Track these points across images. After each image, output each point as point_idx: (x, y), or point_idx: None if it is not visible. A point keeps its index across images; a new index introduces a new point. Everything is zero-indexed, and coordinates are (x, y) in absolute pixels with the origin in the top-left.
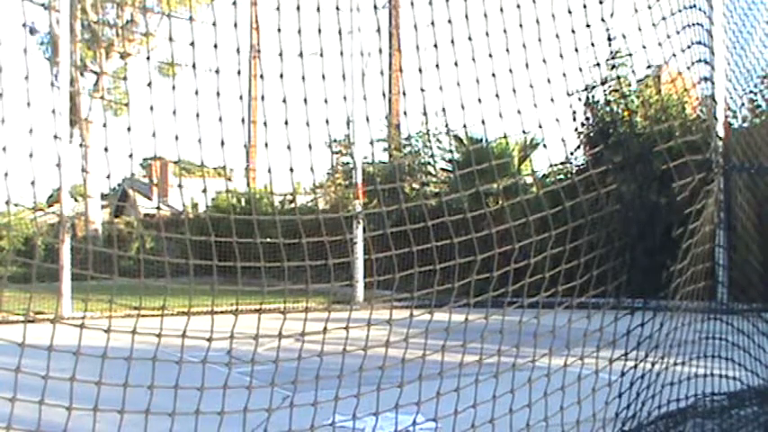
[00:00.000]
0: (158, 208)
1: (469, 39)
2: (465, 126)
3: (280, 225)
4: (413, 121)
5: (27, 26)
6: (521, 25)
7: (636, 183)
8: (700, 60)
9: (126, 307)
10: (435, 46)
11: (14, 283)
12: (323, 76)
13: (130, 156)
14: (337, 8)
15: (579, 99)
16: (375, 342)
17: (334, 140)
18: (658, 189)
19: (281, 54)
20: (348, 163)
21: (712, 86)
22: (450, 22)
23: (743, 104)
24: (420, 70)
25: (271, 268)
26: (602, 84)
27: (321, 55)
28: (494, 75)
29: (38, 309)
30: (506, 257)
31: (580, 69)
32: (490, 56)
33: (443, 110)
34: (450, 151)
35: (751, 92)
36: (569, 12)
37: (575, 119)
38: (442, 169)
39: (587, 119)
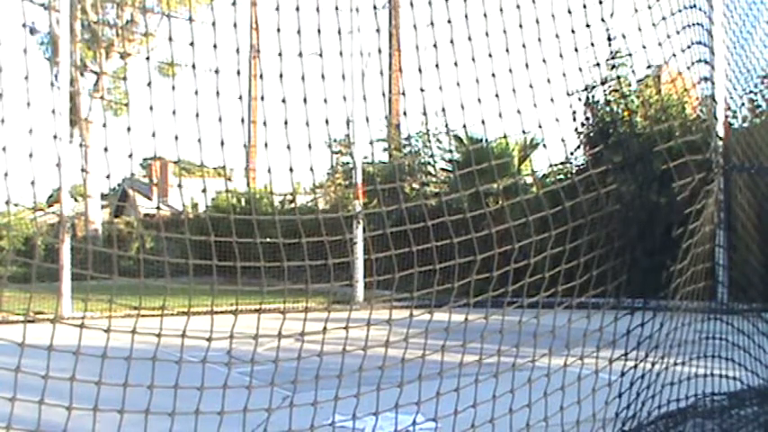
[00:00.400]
0: (158, 208)
1: (469, 39)
2: (465, 126)
3: (279, 225)
4: (413, 121)
5: (27, 26)
6: (520, 25)
7: (636, 183)
8: (700, 60)
9: (126, 307)
10: (435, 46)
11: (14, 282)
12: (322, 76)
13: (130, 156)
14: (337, 8)
15: (579, 99)
16: (375, 342)
17: (334, 140)
18: (658, 189)
19: (280, 54)
20: (348, 163)
21: (712, 86)
22: (449, 22)
23: (743, 104)
24: (420, 70)
25: (270, 268)
26: (602, 84)
27: (321, 55)
28: (493, 75)
29: (38, 309)
30: (506, 257)
31: (580, 69)
32: (490, 56)
33: (443, 110)
34: (450, 151)
35: (751, 92)
36: (569, 12)
37: (575, 119)
38: (442, 169)
39: (587, 119)
